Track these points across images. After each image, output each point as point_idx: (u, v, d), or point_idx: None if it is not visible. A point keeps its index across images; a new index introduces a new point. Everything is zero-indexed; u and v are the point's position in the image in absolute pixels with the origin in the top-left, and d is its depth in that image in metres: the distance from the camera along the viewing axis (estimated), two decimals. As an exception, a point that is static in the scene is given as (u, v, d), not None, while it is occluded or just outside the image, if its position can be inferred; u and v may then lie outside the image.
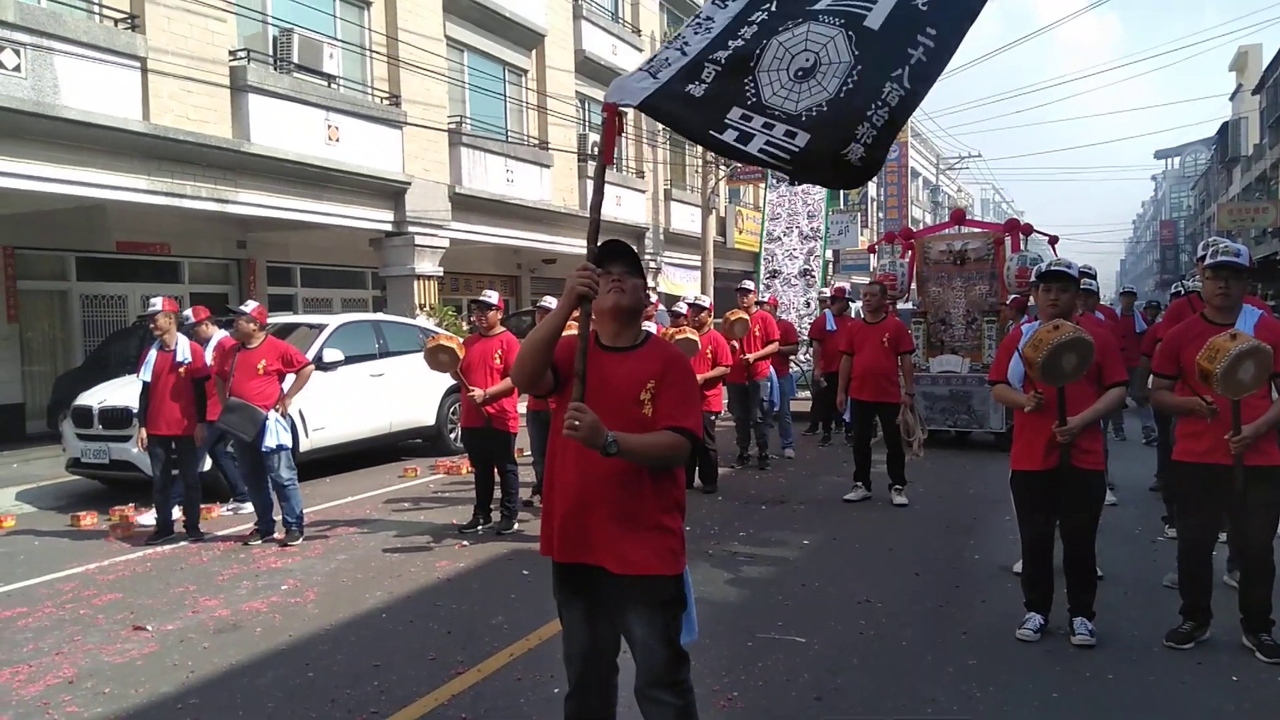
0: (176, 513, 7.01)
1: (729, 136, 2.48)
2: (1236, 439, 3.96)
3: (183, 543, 6.77)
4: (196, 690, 4.04)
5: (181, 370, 6.85)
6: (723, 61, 2.54)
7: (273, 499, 6.77)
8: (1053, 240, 10.87)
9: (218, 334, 7.57)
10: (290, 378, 6.88)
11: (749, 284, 10.08)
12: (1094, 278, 6.72)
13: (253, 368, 6.65)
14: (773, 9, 2.61)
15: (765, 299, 11.81)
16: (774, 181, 16.67)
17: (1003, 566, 5.70)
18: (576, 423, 2.35)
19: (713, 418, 8.44)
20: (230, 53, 11.64)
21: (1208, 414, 4.07)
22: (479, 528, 6.89)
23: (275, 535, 6.72)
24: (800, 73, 2.47)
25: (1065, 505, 4.41)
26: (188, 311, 7.86)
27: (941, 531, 6.78)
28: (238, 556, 6.36)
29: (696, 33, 2.67)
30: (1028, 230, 10.85)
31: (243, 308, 6.83)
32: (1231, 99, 40.89)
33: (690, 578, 2.73)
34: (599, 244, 2.63)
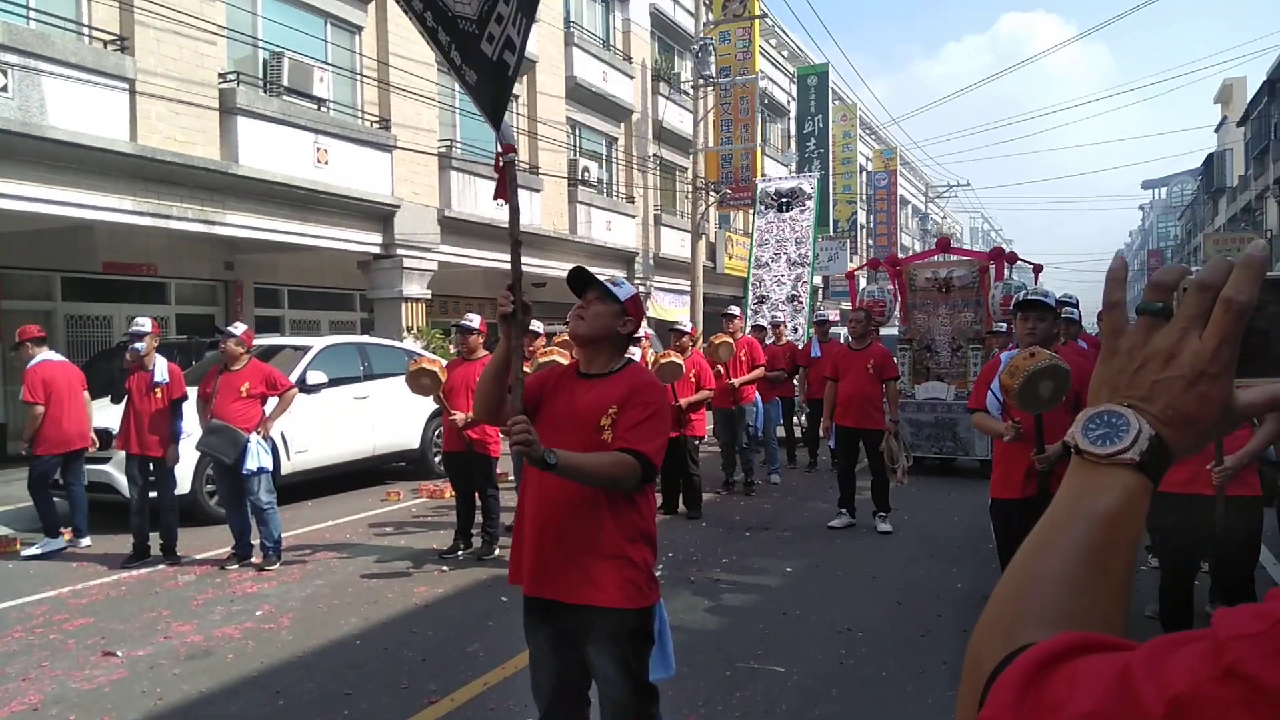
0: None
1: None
2: (1220, 469, 3.94)
3: (159, 566, 6.68)
4: (163, 718, 3.97)
5: (159, 392, 6.80)
6: None
7: (251, 523, 6.70)
8: (1037, 269, 10.93)
9: (40, 355, 7.27)
10: (273, 401, 6.83)
11: (735, 309, 10.10)
12: (1075, 306, 6.73)
13: (236, 390, 6.59)
14: None
15: (768, 325, 11.72)
16: (762, 208, 16.73)
17: (985, 595, 5.61)
18: (515, 431, 2.36)
19: (697, 442, 8.42)
20: (220, 75, 11.67)
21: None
22: (459, 553, 6.83)
23: (252, 559, 6.65)
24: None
25: (1045, 534, 4.38)
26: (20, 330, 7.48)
27: (925, 559, 6.75)
28: (214, 581, 6.28)
29: None
30: (1012, 259, 10.91)
31: (231, 329, 6.78)
32: (1217, 130, 41.37)
33: (665, 613, 2.69)
34: (571, 271, 2.70)
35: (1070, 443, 0.74)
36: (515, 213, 2.68)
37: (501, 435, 7.15)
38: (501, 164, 2.69)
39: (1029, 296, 4.50)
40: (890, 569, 6.46)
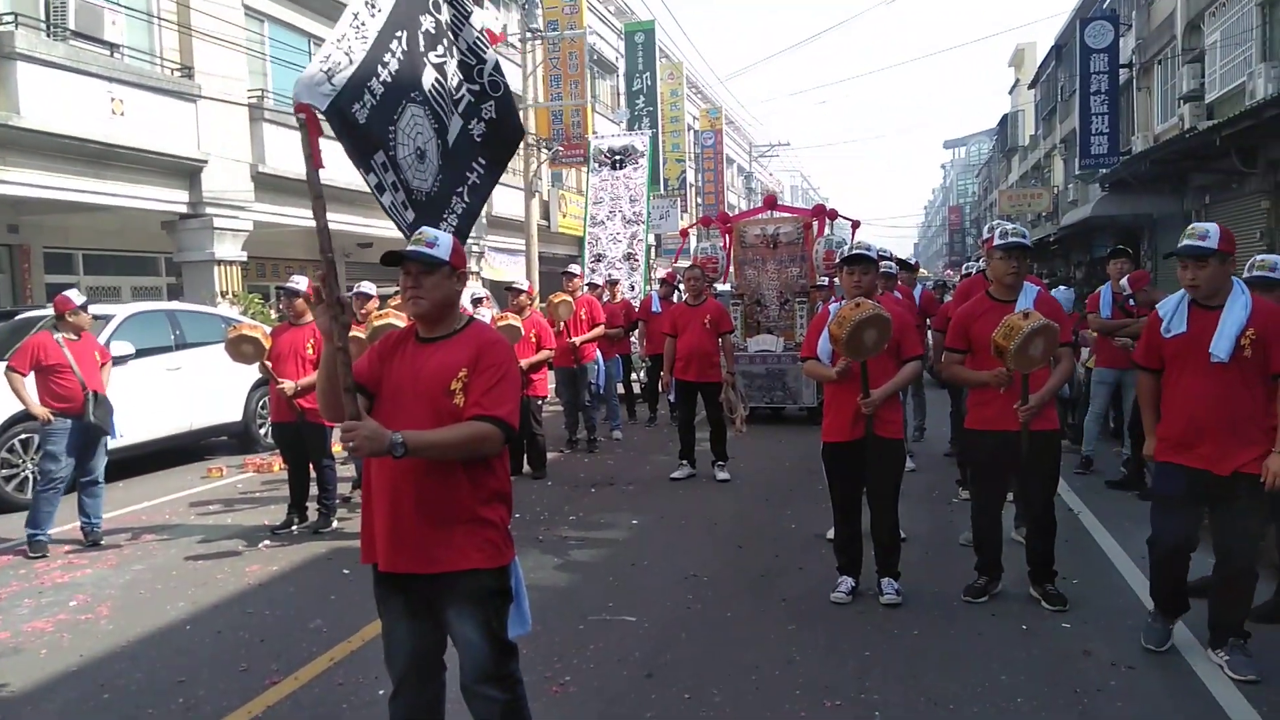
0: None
1: (371, 180, 2.78)
2: (1025, 408, 4.33)
3: (-51, 562, 6.06)
4: (-32, 726, 3.63)
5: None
6: (378, 94, 2.76)
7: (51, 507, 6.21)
8: (855, 225, 11.49)
9: None
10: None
11: (575, 268, 10.10)
12: (891, 259, 7.15)
13: (94, 360, 6.36)
14: (403, 48, 2.84)
15: (603, 283, 11.83)
16: (596, 166, 16.71)
17: (817, 534, 5.98)
18: (351, 443, 2.29)
19: (539, 402, 8.41)
20: (-9, 15, 10.43)
21: (1004, 382, 4.39)
22: (294, 527, 6.55)
23: (46, 546, 6.17)
24: (419, 152, 2.86)
25: (870, 472, 4.68)
26: None
27: (762, 504, 7.05)
28: (17, 572, 5.75)
29: (356, 36, 2.75)
30: (833, 215, 11.41)
31: (82, 298, 6.42)
32: (1010, 93, 44.51)
33: (520, 569, 2.68)
34: (383, 256, 2.61)
35: None
36: (321, 209, 2.53)
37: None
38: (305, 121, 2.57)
39: (854, 251, 4.74)
40: (730, 515, 6.71)
